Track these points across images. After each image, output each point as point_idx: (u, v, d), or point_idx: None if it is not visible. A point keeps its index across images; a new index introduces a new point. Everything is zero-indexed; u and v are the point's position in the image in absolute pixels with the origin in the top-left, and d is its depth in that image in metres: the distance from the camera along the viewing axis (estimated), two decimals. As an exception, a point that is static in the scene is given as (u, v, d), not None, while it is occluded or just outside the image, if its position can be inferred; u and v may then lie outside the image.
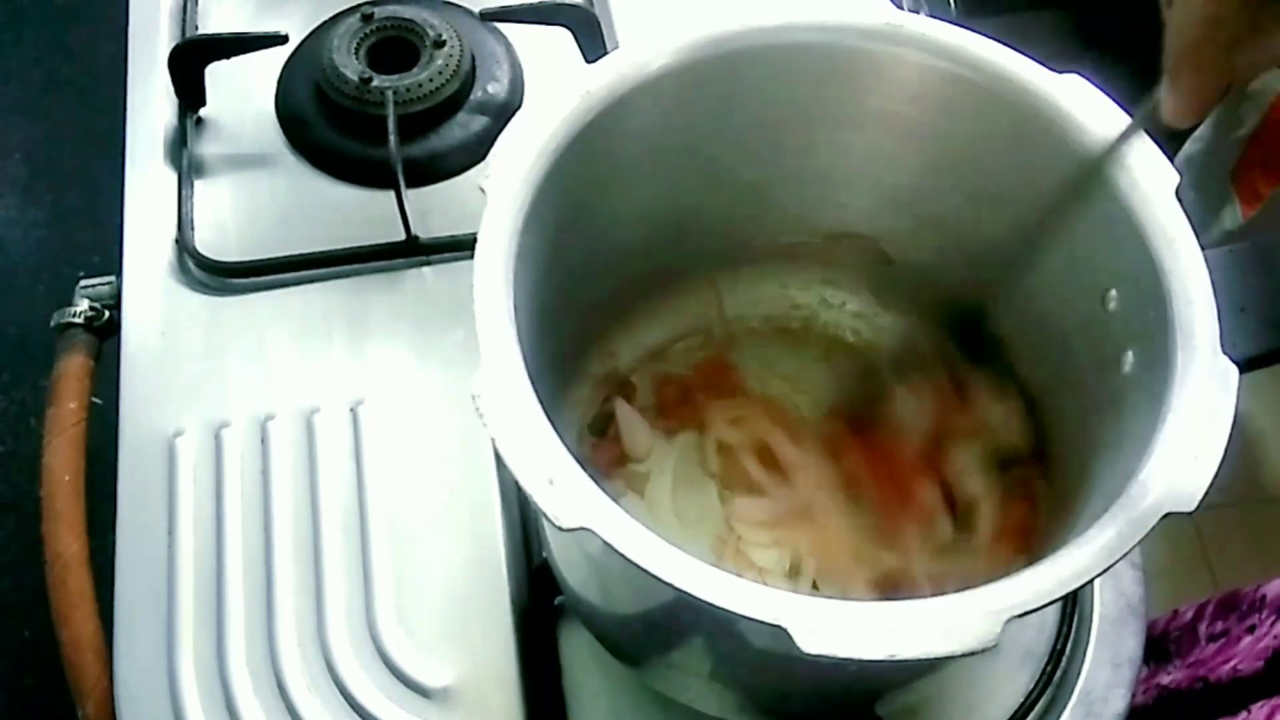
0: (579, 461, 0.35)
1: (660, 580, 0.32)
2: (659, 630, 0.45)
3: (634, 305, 0.56)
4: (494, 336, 0.37)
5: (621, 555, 0.33)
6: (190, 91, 0.70)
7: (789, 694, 0.47)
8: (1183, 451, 0.35)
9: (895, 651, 0.31)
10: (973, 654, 0.31)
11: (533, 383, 0.36)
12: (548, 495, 0.34)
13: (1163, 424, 0.36)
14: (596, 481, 0.34)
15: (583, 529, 0.33)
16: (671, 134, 0.48)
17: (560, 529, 0.33)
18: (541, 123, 0.42)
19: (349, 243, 0.64)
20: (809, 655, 0.31)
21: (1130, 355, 0.41)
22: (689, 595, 0.32)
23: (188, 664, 0.53)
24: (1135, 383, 0.40)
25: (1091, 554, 0.33)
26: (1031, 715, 0.53)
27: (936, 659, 0.31)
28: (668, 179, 0.50)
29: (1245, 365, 0.37)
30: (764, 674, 0.44)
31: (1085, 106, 0.43)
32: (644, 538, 0.33)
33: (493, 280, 0.38)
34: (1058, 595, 0.33)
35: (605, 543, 0.33)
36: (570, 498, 0.34)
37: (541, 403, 0.36)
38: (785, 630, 0.31)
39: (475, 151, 0.68)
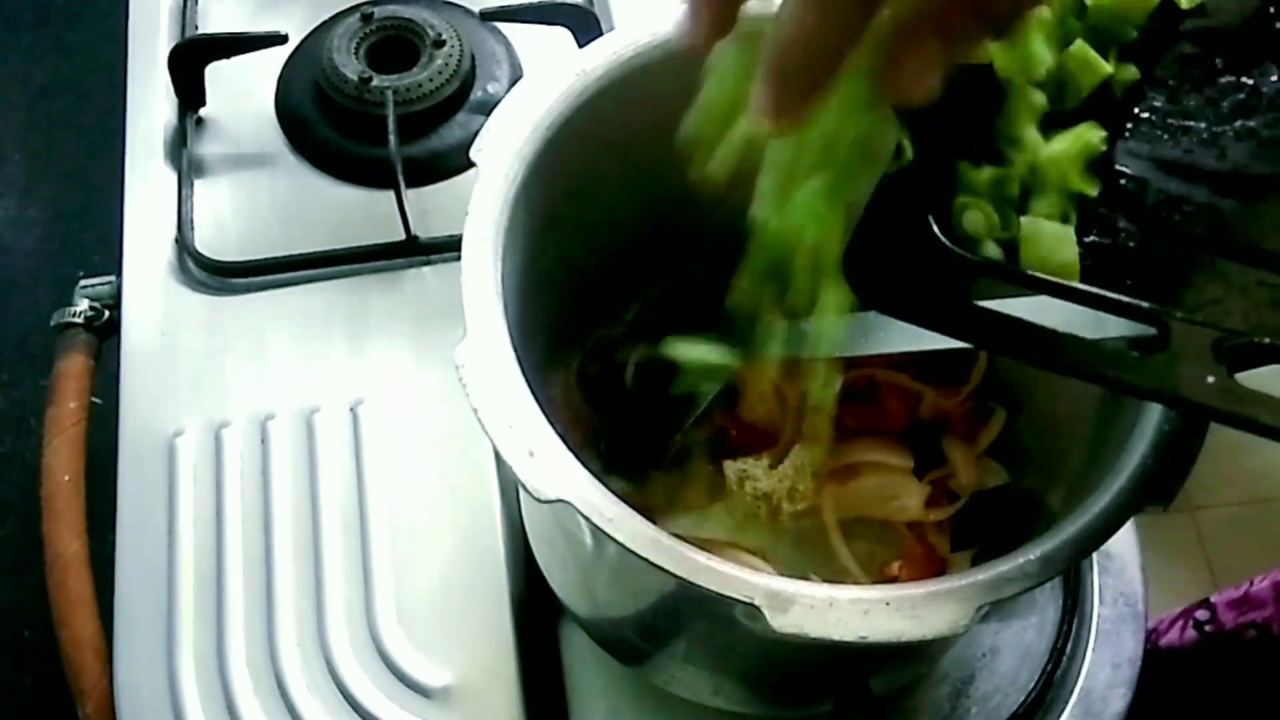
0: (560, 434, 0.35)
1: (636, 555, 0.32)
2: (635, 610, 0.46)
3: (625, 285, 0.56)
4: (480, 307, 0.37)
5: (598, 529, 0.33)
6: (190, 91, 0.70)
7: (772, 673, 0.47)
8: (1159, 449, 0.35)
9: (866, 634, 0.32)
10: (944, 639, 0.31)
11: (518, 355, 0.36)
12: (527, 466, 0.34)
13: (1142, 421, 0.36)
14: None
15: (561, 501, 0.33)
16: (664, 118, 0.47)
17: (539, 500, 0.33)
18: (536, 99, 0.42)
19: (349, 243, 0.64)
20: (781, 634, 0.31)
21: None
22: (664, 570, 0.32)
23: (188, 664, 0.53)
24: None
25: (1064, 545, 0.34)
26: (1032, 715, 0.53)
27: (908, 643, 0.32)
28: (660, 163, 0.50)
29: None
30: (748, 653, 0.44)
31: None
32: (621, 513, 0.33)
33: (481, 251, 0.38)
34: (1028, 585, 0.33)
35: (582, 516, 0.33)
36: (550, 470, 0.34)
37: (526, 375, 0.36)
38: (758, 608, 0.31)
39: (475, 151, 0.68)
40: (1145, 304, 0.29)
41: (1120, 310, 0.30)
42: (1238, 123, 0.32)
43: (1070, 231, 0.31)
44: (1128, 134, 0.33)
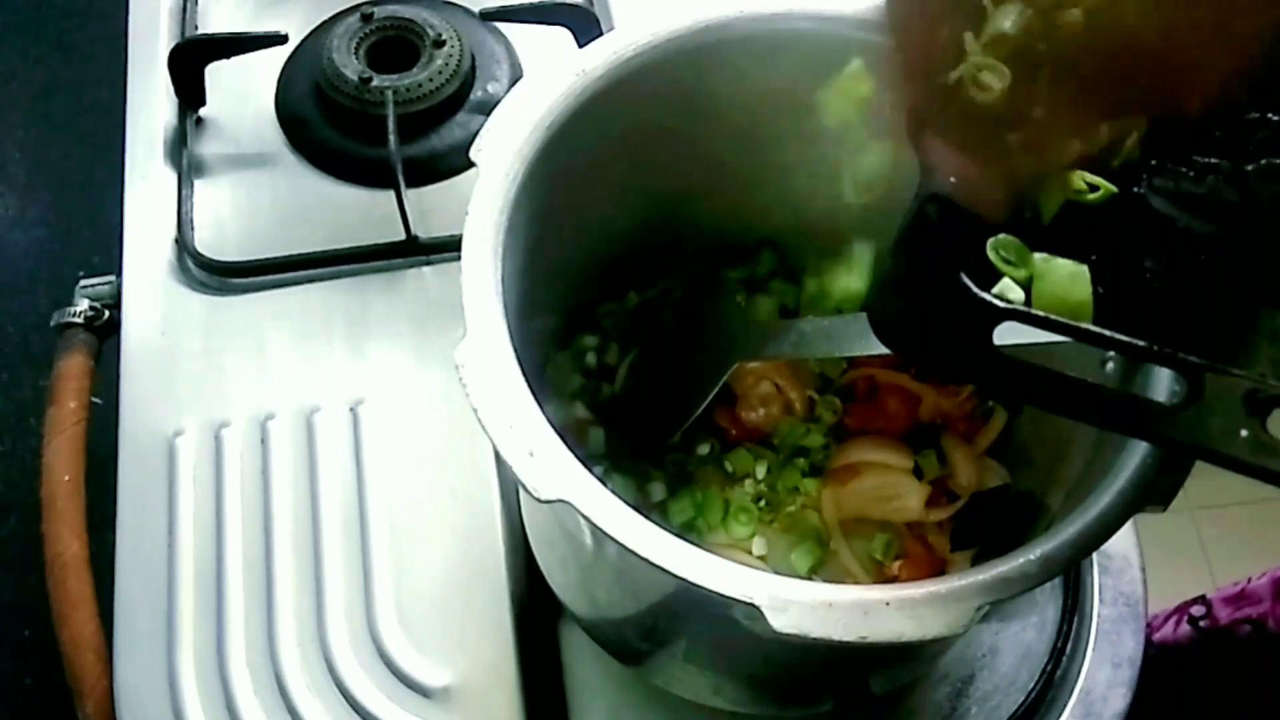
0: (560, 434, 0.35)
1: (636, 554, 0.32)
2: (635, 610, 0.46)
3: (625, 283, 0.56)
4: (480, 307, 0.37)
5: (598, 528, 0.33)
6: (190, 91, 0.70)
7: (772, 673, 0.47)
8: (1158, 452, 0.35)
9: (866, 634, 0.31)
10: (944, 639, 0.31)
11: (518, 355, 0.36)
12: (527, 466, 0.34)
13: None
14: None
15: (561, 501, 0.33)
16: (663, 118, 0.48)
17: (539, 500, 0.33)
18: (535, 99, 0.42)
19: (349, 243, 0.64)
20: (781, 634, 0.31)
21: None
22: (664, 570, 0.32)
23: (188, 664, 0.53)
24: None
25: (1064, 545, 0.33)
26: (1032, 715, 0.53)
27: (908, 643, 0.32)
28: (659, 163, 0.50)
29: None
30: (748, 653, 0.45)
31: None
32: (621, 512, 0.33)
33: (481, 251, 0.38)
34: (1028, 585, 0.33)
35: (582, 516, 0.33)
36: (550, 470, 0.34)
37: (526, 375, 0.36)
38: (757, 608, 0.31)
39: (475, 151, 0.68)
40: (1176, 352, 0.28)
41: (1151, 358, 0.29)
42: (1263, 160, 0.31)
43: (1085, 270, 0.31)
44: (1152, 171, 0.32)
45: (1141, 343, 0.28)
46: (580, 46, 0.69)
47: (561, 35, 0.70)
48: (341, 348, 0.61)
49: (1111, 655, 0.55)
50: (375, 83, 0.67)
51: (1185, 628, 0.73)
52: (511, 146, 0.41)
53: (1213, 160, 0.31)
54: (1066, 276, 0.31)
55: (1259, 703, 0.68)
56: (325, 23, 0.74)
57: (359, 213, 0.66)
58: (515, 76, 0.72)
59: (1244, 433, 0.27)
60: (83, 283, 0.67)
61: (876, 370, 0.52)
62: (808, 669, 0.47)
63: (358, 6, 0.72)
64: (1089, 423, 0.30)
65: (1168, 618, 0.76)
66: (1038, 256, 0.31)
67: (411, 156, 0.66)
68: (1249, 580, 0.72)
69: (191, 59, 0.69)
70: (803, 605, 0.32)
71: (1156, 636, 0.75)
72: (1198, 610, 0.73)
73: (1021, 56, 0.28)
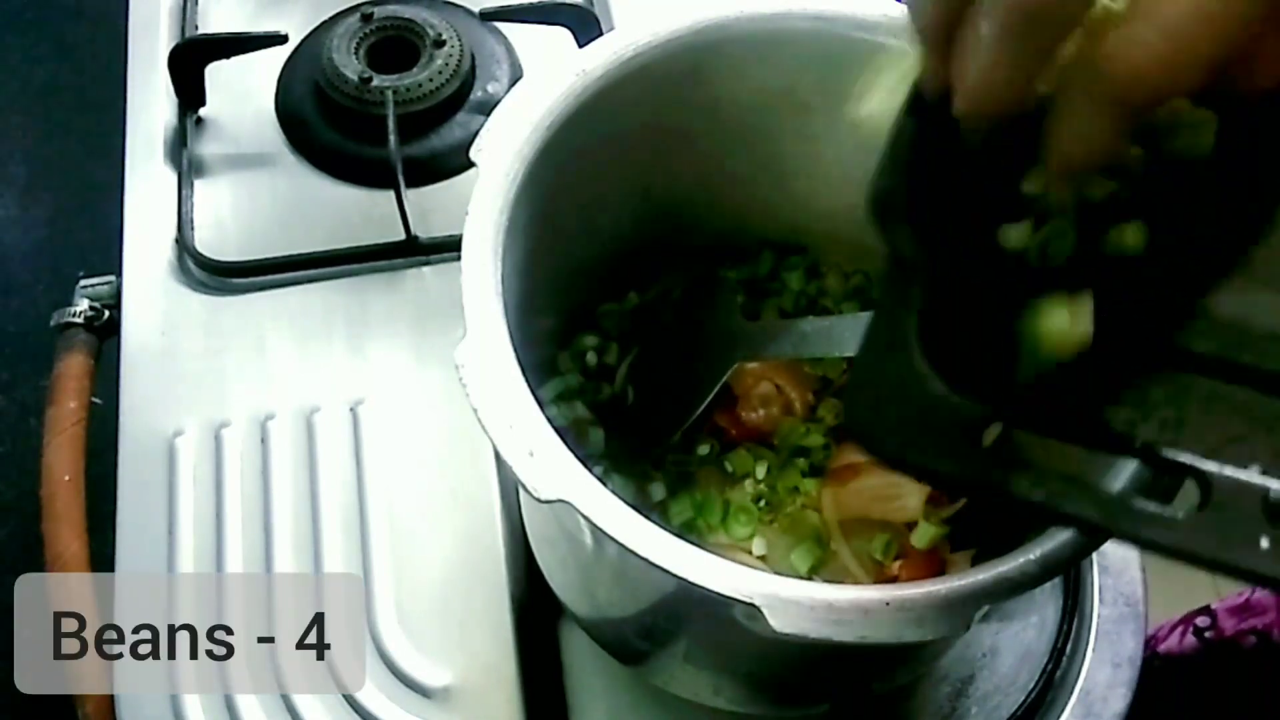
0: (560, 434, 0.35)
1: (636, 554, 0.32)
2: (635, 610, 0.46)
3: (624, 285, 0.56)
4: (480, 307, 0.37)
5: (598, 528, 0.33)
6: (190, 91, 0.70)
7: (772, 673, 0.47)
8: None
9: (866, 634, 0.31)
10: (944, 639, 0.31)
11: (518, 355, 0.36)
12: (527, 466, 0.34)
13: None
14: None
15: (561, 501, 0.33)
16: (663, 118, 0.48)
17: (539, 500, 0.33)
18: (535, 99, 0.42)
19: (349, 243, 0.64)
20: (781, 634, 0.31)
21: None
22: (664, 570, 0.32)
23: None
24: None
25: (1064, 545, 0.33)
26: (1032, 715, 0.53)
27: (908, 643, 0.32)
28: (659, 163, 0.50)
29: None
30: (748, 653, 0.45)
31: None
32: (621, 512, 0.33)
33: (481, 251, 0.38)
34: (1028, 585, 0.33)
35: (582, 516, 0.33)
36: (550, 470, 0.34)
37: (526, 375, 0.36)
38: (757, 608, 0.31)
39: (475, 151, 0.68)
40: (1180, 456, 0.26)
41: (1150, 460, 0.27)
42: None
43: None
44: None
45: (1142, 444, 0.26)
46: (580, 46, 0.69)
47: (561, 35, 0.70)
48: (341, 348, 0.61)
49: (1111, 655, 0.55)
50: (375, 83, 0.67)
51: (1190, 639, 0.73)
52: (511, 146, 0.41)
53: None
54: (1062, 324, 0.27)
55: (1264, 714, 0.68)
56: (325, 23, 0.74)
57: (359, 213, 0.66)
58: (515, 76, 0.72)
59: (1265, 543, 0.24)
60: (83, 283, 0.67)
61: None
62: (808, 669, 0.47)
63: (358, 6, 0.72)
64: (1086, 532, 0.29)
65: (1173, 628, 0.76)
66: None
67: (411, 156, 0.66)
68: (1253, 590, 0.72)
69: (191, 59, 0.69)
70: (803, 605, 0.32)
71: (1161, 648, 0.75)
72: (1203, 621, 0.73)
73: None
